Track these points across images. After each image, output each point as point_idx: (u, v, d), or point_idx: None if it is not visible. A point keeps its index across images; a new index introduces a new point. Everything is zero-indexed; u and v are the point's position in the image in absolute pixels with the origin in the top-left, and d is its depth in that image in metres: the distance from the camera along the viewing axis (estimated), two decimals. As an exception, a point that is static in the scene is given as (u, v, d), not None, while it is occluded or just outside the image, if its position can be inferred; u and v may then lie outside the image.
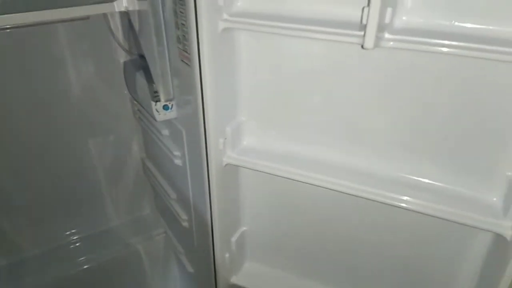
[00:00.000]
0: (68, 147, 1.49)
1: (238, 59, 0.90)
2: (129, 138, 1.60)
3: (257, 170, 0.95)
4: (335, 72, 0.83)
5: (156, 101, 1.09)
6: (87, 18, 1.12)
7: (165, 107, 1.12)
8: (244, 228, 1.16)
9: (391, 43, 0.68)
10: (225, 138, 0.95)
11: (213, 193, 1.00)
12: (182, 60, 0.93)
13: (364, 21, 0.66)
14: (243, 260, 1.23)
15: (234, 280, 1.21)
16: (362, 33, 0.67)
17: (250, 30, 0.80)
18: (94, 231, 1.70)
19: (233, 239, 1.14)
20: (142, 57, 1.26)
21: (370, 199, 0.86)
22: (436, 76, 0.74)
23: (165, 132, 1.25)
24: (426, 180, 0.86)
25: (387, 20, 0.67)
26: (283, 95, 0.91)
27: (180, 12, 0.87)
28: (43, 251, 1.61)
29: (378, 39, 0.68)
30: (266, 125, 0.98)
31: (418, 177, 0.86)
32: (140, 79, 1.16)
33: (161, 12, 0.82)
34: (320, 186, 0.90)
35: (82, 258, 1.62)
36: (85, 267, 1.61)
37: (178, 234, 1.51)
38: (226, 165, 0.98)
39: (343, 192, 0.89)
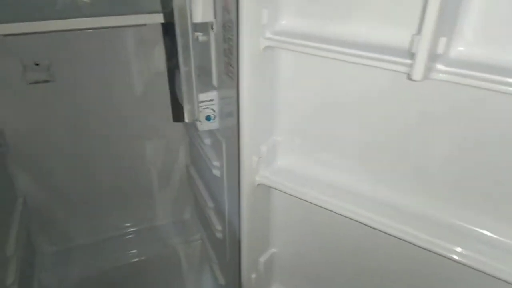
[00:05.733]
0: (127, 147, 1.57)
1: (280, 78, 0.86)
2: (177, 143, 1.64)
3: (288, 193, 0.91)
4: (380, 101, 0.77)
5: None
6: (144, 25, 1.17)
7: (208, 118, 1.12)
8: (274, 250, 1.12)
9: (442, 75, 0.61)
10: (260, 157, 0.92)
11: (243, 211, 0.97)
12: (227, 73, 0.92)
13: (413, 50, 0.60)
14: (270, 282, 1.19)
15: (259, 301, 1.17)
16: (410, 61, 0.61)
17: (291, 50, 0.77)
18: (140, 227, 1.77)
19: (262, 259, 1.10)
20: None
21: (412, 243, 0.78)
22: (494, 116, 0.65)
23: (207, 141, 1.26)
24: (482, 231, 0.75)
25: (439, 50, 0.60)
26: (323, 119, 0.86)
27: (228, 26, 0.86)
28: (93, 241, 1.70)
29: (428, 69, 0.61)
30: (303, 147, 0.93)
31: (472, 226, 0.75)
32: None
33: (190, 31, 0.79)
34: (353, 219, 0.83)
35: (131, 252, 1.70)
36: (133, 260, 1.69)
37: (212, 243, 1.51)
38: (258, 184, 0.95)
39: (381, 231, 0.81)
